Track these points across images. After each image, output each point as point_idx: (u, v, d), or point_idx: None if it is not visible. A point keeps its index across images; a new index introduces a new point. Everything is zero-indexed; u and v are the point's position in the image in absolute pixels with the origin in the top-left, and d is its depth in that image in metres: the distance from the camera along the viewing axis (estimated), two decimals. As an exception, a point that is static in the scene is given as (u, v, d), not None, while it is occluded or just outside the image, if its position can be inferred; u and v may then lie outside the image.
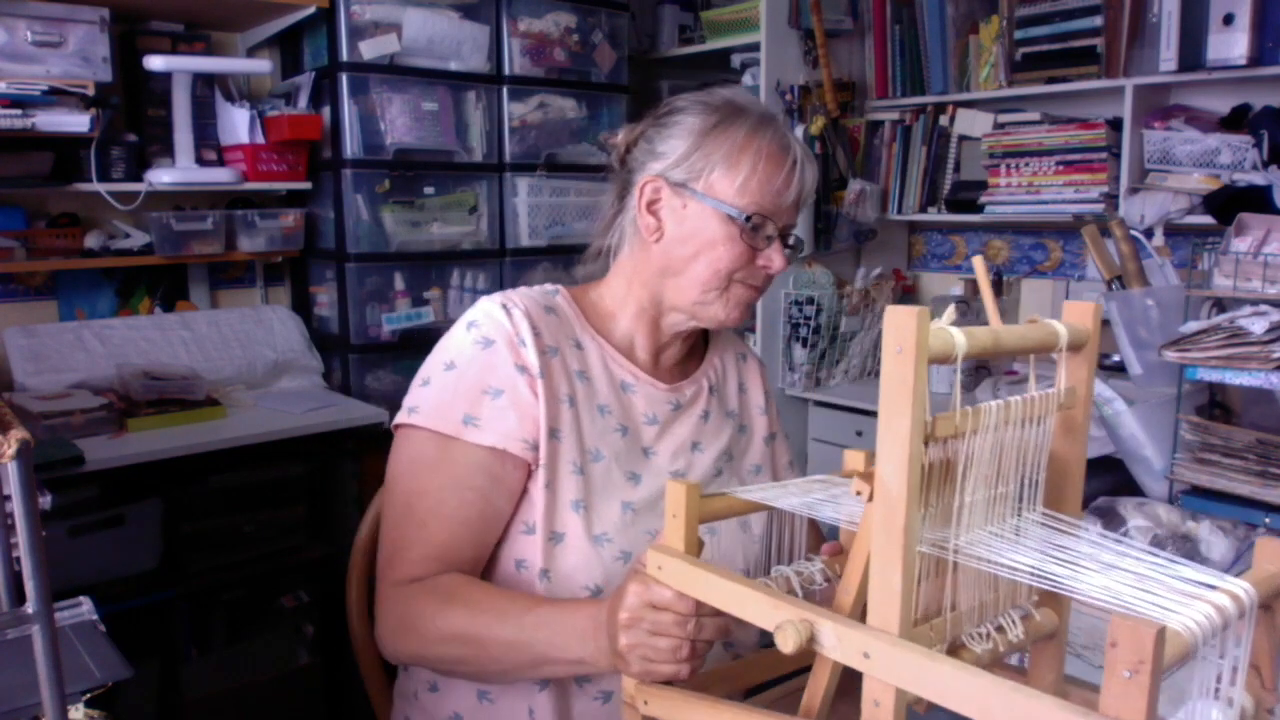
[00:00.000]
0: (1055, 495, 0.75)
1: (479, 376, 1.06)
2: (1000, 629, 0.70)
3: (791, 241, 1.13)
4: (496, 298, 1.11)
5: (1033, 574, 0.62)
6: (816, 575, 0.80)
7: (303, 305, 2.65)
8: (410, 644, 1.02)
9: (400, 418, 1.09)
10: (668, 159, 1.11)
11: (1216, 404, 1.59)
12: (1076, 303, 0.74)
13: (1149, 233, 2.26)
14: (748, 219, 1.07)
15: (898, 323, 0.60)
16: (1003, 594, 0.70)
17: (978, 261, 0.78)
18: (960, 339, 0.63)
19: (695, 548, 0.79)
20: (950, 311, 0.66)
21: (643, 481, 1.11)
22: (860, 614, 0.67)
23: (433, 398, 1.07)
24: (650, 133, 1.14)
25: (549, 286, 1.18)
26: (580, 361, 1.12)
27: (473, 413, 1.04)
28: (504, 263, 2.65)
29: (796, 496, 0.79)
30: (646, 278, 1.14)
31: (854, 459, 0.87)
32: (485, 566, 1.09)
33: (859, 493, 0.65)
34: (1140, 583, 0.60)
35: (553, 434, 1.06)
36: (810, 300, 2.78)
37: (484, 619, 0.98)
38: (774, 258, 1.10)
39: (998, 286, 2.89)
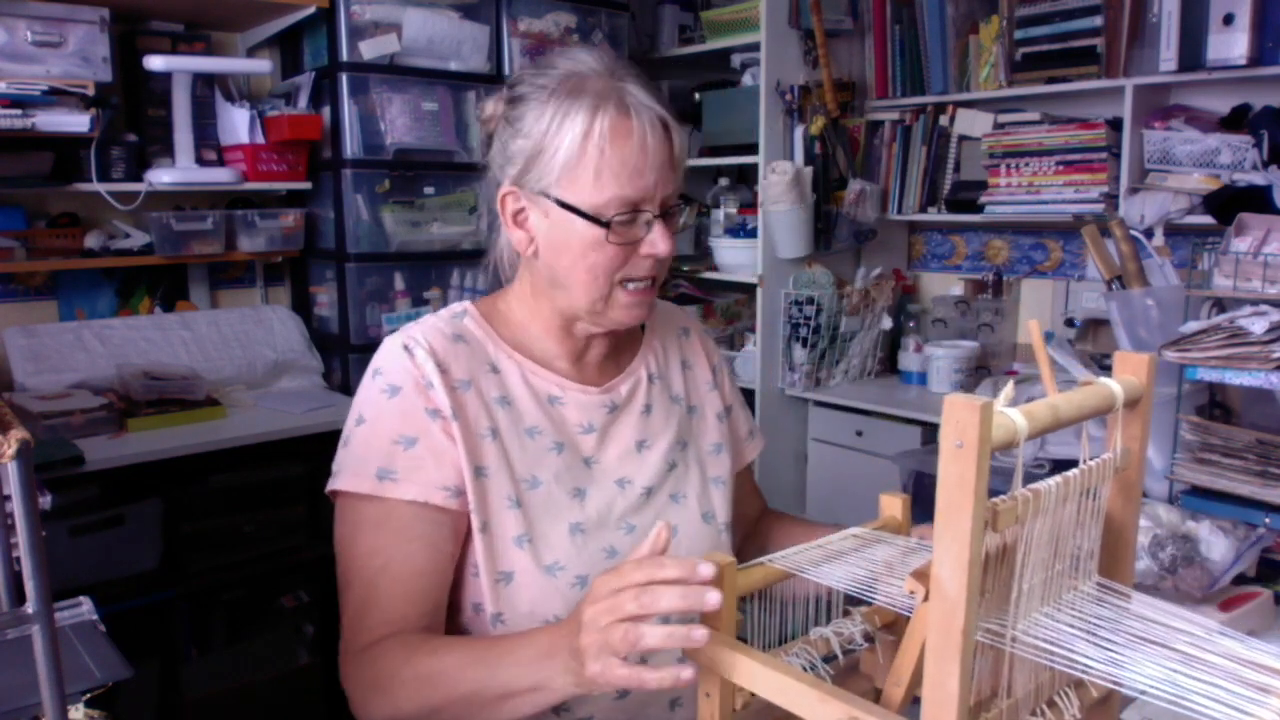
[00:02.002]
0: (1110, 558, 0.72)
1: (390, 427, 1.00)
2: (1052, 704, 0.68)
3: (675, 208, 1.02)
4: (400, 336, 1.04)
5: (1094, 669, 0.59)
6: (857, 635, 0.77)
7: (303, 305, 2.65)
8: (384, 703, 0.96)
9: (329, 483, 1.04)
10: (518, 164, 1.01)
11: (1216, 404, 1.59)
12: (1129, 354, 0.70)
13: (1149, 233, 2.26)
14: (607, 224, 0.97)
15: (958, 416, 0.55)
16: (1058, 671, 0.67)
17: (1033, 326, 0.73)
18: (1022, 423, 0.59)
19: (733, 626, 0.75)
20: (1009, 389, 0.62)
21: (589, 495, 1.06)
22: (912, 703, 0.65)
23: (351, 457, 1.02)
24: (501, 126, 1.04)
25: (458, 308, 1.10)
26: (499, 386, 1.05)
27: (388, 466, 0.99)
28: (504, 263, 2.65)
29: (835, 564, 0.75)
30: (540, 289, 1.07)
31: (890, 505, 0.84)
32: (446, 612, 1.04)
33: (912, 592, 0.62)
34: (1198, 668, 0.57)
35: (479, 473, 1.00)
36: (810, 300, 2.78)
37: (449, 660, 0.93)
38: (657, 243, 0.99)
39: (997, 286, 2.89)
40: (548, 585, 1.00)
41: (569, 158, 0.97)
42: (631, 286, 1.02)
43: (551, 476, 1.04)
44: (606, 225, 0.97)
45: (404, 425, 1.00)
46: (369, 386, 1.04)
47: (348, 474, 1.01)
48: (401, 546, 0.99)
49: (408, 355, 1.02)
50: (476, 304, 1.11)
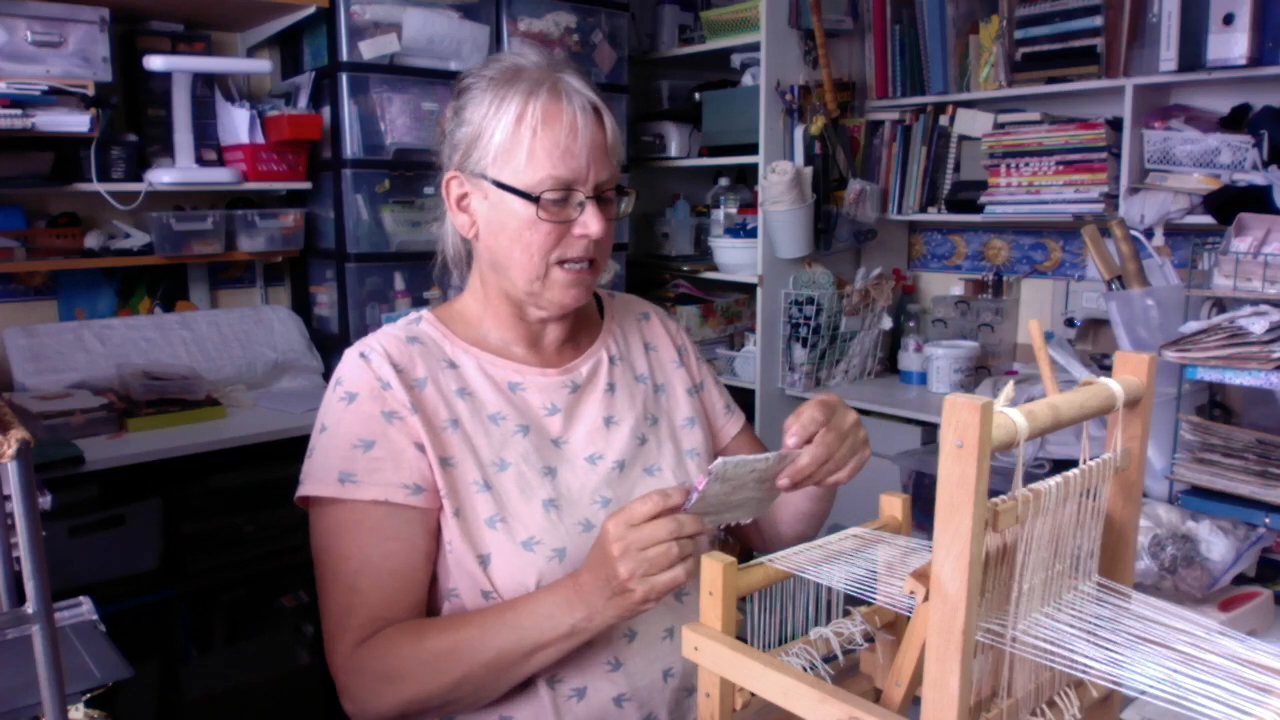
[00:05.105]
0: (1110, 558, 0.72)
1: (348, 432, 1.04)
2: (1052, 704, 0.68)
3: (612, 194, 1.08)
4: (357, 346, 1.09)
5: (1094, 669, 0.59)
6: (857, 635, 0.77)
7: (303, 305, 2.65)
8: (397, 690, 0.99)
9: (297, 491, 1.07)
10: (460, 149, 1.07)
11: (1216, 404, 1.59)
12: (1129, 354, 0.70)
13: (1149, 233, 2.26)
14: (537, 199, 1.02)
15: (958, 416, 0.55)
16: (1058, 671, 0.67)
17: (1034, 326, 0.73)
18: (1022, 423, 0.59)
19: (733, 626, 0.75)
20: (1009, 389, 0.62)
21: (559, 474, 1.09)
22: (913, 703, 0.65)
23: (315, 465, 1.06)
24: (450, 119, 1.10)
25: (414, 315, 1.16)
26: (458, 380, 1.09)
27: (349, 469, 1.03)
28: (504, 263, 2.64)
29: (834, 564, 0.76)
30: (487, 276, 1.12)
31: (890, 504, 0.84)
32: (432, 597, 1.07)
33: (912, 592, 0.63)
34: (1198, 668, 0.57)
35: (445, 463, 1.04)
36: (810, 300, 2.78)
37: (466, 632, 0.97)
38: (589, 223, 1.04)
39: (997, 286, 2.89)
40: (525, 561, 1.02)
41: (504, 139, 1.03)
42: (567, 267, 1.07)
43: (519, 458, 1.07)
44: (537, 200, 1.02)
45: (362, 430, 1.04)
46: (330, 396, 1.08)
47: (311, 480, 1.05)
48: (378, 545, 1.02)
49: (364, 362, 1.06)
50: (433, 310, 1.16)
